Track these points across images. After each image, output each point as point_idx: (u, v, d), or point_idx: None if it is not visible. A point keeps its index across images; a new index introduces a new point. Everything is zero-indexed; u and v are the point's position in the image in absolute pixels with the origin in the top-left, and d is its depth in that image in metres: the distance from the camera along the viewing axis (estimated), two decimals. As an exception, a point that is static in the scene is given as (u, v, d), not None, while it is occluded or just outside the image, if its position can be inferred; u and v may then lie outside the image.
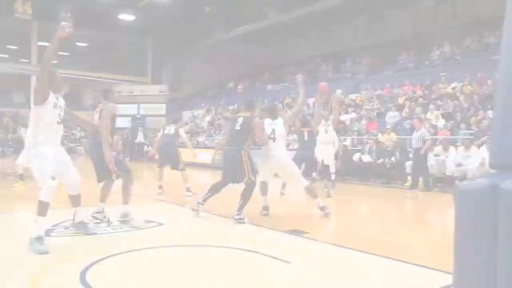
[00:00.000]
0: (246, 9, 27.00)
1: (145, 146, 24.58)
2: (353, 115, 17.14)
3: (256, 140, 6.51)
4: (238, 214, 6.08)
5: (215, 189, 6.56)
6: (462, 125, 12.92)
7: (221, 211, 7.00)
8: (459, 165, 10.61)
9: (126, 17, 30.32)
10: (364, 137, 14.52)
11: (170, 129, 9.88)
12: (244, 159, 6.22)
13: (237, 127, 6.36)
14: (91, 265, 3.85)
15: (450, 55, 19.61)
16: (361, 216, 6.79)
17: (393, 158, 12.43)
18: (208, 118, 26.08)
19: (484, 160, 10.06)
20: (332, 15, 24.52)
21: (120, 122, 31.54)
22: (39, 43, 33.39)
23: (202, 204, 6.46)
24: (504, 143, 1.86)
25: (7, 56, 34.91)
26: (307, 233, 5.49)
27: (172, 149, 9.56)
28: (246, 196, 6.24)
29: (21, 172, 10.05)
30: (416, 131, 11.18)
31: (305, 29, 31.14)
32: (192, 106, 31.46)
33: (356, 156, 13.43)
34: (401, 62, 21.01)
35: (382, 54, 23.81)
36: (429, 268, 3.97)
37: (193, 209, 6.47)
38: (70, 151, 28.13)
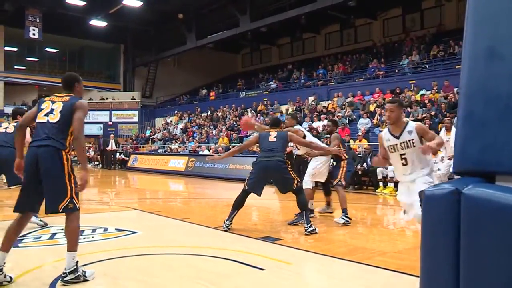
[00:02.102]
0: (219, 17, 27.10)
1: (117, 154, 24.29)
2: (326, 122, 17.33)
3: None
4: (309, 226, 5.97)
5: (238, 204, 6.34)
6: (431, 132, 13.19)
7: (194, 219, 7.01)
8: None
9: (98, 23, 29.98)
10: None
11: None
12: (288, 167, 6.26)
13: (273, 139, 6.37)
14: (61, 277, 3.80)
15: (419, 63, 20.10)
16: (334, 222, 6.88)
17: (364, 165, 12.62)
18: (181, 125, 25.96)
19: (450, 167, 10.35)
20: (304, 24, 24.80)
21: (92, 129, 31.38)
22: (6, 48, 32.75)
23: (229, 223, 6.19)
24: (465, 151, 1.95)
25: (-28, 61, 33.96)
26: (280, 239, 5.55)
27: None
28: (304, 201, 6.26)
29: None
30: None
31: (278, 37, 31.43)
32: (165, 113, 31.30)
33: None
34: (372, 70, 21.40)
35: (353, 62, 24.22)
36: (402, 273, 4.06)
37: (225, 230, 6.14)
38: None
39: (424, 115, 14.88)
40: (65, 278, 3.54)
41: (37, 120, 3.71)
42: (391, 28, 25.94)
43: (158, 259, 4.56)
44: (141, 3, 26.25)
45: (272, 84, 26.36)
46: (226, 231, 6.03)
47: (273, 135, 6.38)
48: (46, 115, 3.67)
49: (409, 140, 4.20)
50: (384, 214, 9.19)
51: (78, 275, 3.57)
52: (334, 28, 28.78)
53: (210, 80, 33.86)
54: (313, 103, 20.71)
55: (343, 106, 19.09)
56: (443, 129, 10.60)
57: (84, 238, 5.53)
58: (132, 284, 3.76)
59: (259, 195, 6.31)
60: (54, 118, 3.65)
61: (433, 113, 14.96)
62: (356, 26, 27.60)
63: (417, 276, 3.80)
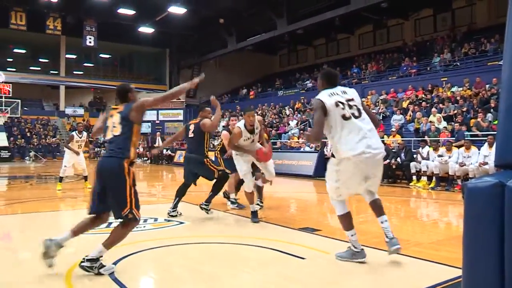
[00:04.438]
0: (257, 20, 27.06)
1: (164, 150, 24.69)
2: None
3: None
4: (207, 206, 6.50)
5: (180, 193, 6.71)
6: (463, 127, 12.81)
7: (235, 210, 7.04)
8: (461, 165, 10.51)
9: (146, 29, 30.63)
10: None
11: None
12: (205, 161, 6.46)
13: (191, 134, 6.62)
14: (118, 261, 3.88)
15: (450, 61, 19.49)
16: (370, 214, 6.75)
17: (398, 159, 12.34)
18: (223, 123, 26.09)
19: (485, 158, 9.99)
20: (338, 25, 24.48)
21: (142, 128, 32.03)
22: (67, 55, 33.95)
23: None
24: (508, 144, 1.84)
25: (39, 68, 35.61)
26: (319, 230, 5.48)
27: None
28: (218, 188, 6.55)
29: (62, 175, 10.57)
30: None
31: (313, 38, 31.15)
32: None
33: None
34: (404, 68, 20.91)
35: (386, 61, 23.73)
36: (437, 262, 3.94)
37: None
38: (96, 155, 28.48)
39: (456, 111, 14.43)
40: (82, 264, 3.56)
41: (105, 138, 3.83)
42: (422, 27, 25.24)
43: (205, 248, 4.59)
44: (185, 10, 26.56)
45: (308, 83, 26.17)
46: (175, 216, 6.42)
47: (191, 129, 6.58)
48: (111, 130, 3.75)
49: None
50: (417, 207, 8.96)
51: (94, 266, 3.55)
52: (367, 28, 28.26)
53: (249, 80, 33.93)
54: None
55: (377, 103, 18.74)
56: (486, 144, 10.26)
57: (136, 227, 5.60)
58: (183, 271, 3.80)
59: (193, 184, 6.63)
60: (116, 130, 3.71)
61: (465, 109, 14.48)
62: (388, 26, 27.01)
63: (453, 266, 3.71)
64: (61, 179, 10.51)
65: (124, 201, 3.57)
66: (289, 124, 20.77)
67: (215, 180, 6.44)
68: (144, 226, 5.74)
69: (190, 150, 6.63)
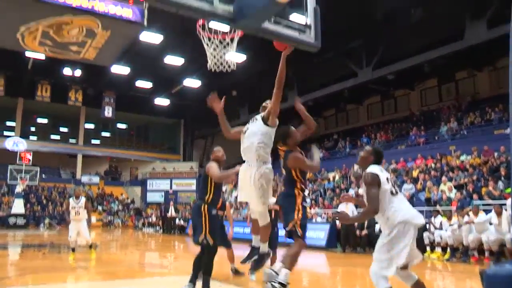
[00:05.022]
0: (269, 92, 27.71)
1: (177, 220, 24.50)
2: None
3: None
4: None
5: None
6: (475, 196, 12.60)
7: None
8: (475, 234, 10.22)
9: (162, 101, 31.54)
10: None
11: None
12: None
13: None
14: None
15: (457, 130, 19.58)
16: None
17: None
18: (235, 193, 26.01)
19: (495, 228, 9.75)
20: (347, 96, 25.01)
21: (154, 197, 32.05)
22: (86, 125, 34.90)
23: None
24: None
25: (58, 137, 36.46)
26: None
27: None
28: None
29: (73, 246, 10.21)
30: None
31: (323, 109, 31.70)
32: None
33: (377, 227, 13.02)
34: (413, 137, 21.00)
35: (394, 131, 23.91)
36: None
37: None
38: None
39: (466, 180, 14.27)
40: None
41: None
42: (428, 97, 25.64)
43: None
44: (199, 83, 27.43)
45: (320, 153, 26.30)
46: None
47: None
48: None
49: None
50: (433, 279, 8.60)
51: None
52: (375, 99, 28.76)
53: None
54: (358, 170, 20.36)
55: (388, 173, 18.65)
56: (493, 212, 10.10)
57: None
58: None
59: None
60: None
61: (475, 177, 14.32)
62: (395, 97, 27.46)
63: None
64: (73, 249, 10.17)
65: None
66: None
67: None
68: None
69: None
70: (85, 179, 34.56)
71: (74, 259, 9.92)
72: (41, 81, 28.89)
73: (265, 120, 4.76)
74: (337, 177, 20.56)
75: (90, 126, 36.28)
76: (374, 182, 3.86)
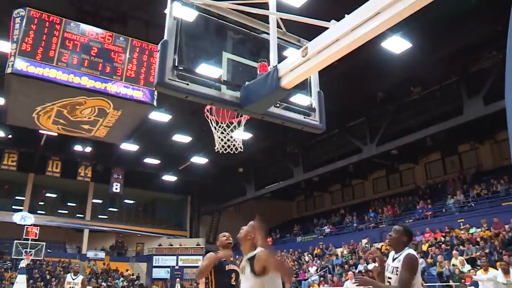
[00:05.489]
0: (275, 169, 28.00)
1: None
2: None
3: None
4: None
5: None
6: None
7: None
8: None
9: (169, 177, 31.74)
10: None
11: None
12: None
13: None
14: None
15: (464, 202, 19.41)
16: None
17: (423, 306, 11.57)
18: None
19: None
20: (352, 171, 25.10)
21: (160, 273, 31.23)
22: (93, 200, 34.95)
23: None
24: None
25: (66, 212, 36.33)
26: None
27: None
28: None
29: None
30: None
31: (329, 185, 31.71)
32: (227, 257, 30.90)
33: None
34: (420, 211, 20.78)
35: (401, 204, 23.71)
36: None
37: None
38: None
39: (478, 253, 13.91)
40: None
41: None
42: (432, 171, 25.68)
43: None
44: (206, 160, 27.75)
45: (326, 229, 25.94)
46: None
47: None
48: None
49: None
50: None
51: None
52: (380, 173, 28.82)
53: (268, 227, 33.76)
54: (366, 245, 19.98)
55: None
56: (500, 270, 9.81)
57: None
58: None
59: None
60: None
61: (487, 250, 13.97)
62: (400, 171, 27.53)
63: None
64: None
65: None
66: (308, 271, 20.10)
67: None
68: None
69: None
70: (90, 254, 33.90)
71: None
72: (52, 157, 29.36)
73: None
74: (345, 252, 20.12)
75: (98, 201, 36.24)
76: (414, 268, 3.71)
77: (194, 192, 35.75)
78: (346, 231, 24.48)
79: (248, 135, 21.92)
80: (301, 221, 31.86)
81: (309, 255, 22.47)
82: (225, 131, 3.87)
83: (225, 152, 5.01)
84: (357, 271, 14.02)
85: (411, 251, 3.94)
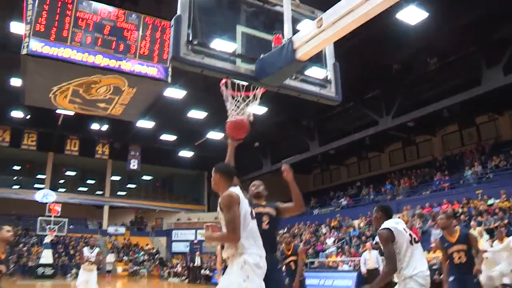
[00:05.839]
0: (290, 143, 27.96)
1: (202, 269, 24.18)
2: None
3: None
4: None
5: None
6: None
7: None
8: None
9: (186, 153, 31.99)
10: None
11: None
12: None
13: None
14: None
15: (482, 173, 19.21)
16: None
17: (442, 276, 11.60)
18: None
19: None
20: (368, 144, 24.95)
21: (180, 247, 31.86)
22: (112, 177, 35.52)
23: None
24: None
25: (86, 189, 37.18)
26: None
27: None
28: None
29: None
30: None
31: (345, 158, 31.62)
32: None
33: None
34: (437, 182, 20.65)
35: (418, 176, 23.58)
36: None
37: None
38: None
39: (497, 224, 13.83)
40: None
41: None
42: (450, 142, 25.39)
43: None
44: (222, 135, 27.83)
45: (343, 201, 26.01)
46: None
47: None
48: None
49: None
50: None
51: None
52: (397, 146, 28.60)
53: (285, 200, 33.89)
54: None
55: (413, 219, 18.24)
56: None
57: None
58: None
59: None
60: None
61: (506, 221, 13.88)
62: (417, 143, 27.27)
63: None
64: None
65: None
66: (326, 243, 20.27)
67: None
68: None
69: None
70: (111, 229, 34.73)
71: None
72: (70, 136, 29.83)
73: None
74: (362, 224, 20.20)
75: (117, 178, 36.87)
76: (388, 239, 3.88)
77: (211, 167, 35.82)
78: (363, 203, 24.53)
79: (263, 109, 21.85)
80: (318, 194, 31.98)
81: (326, 227, 22.63)
82: (241, 104, 3.85)
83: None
84: (374, 242, 14.06)
85: (384, 224, 4.05)
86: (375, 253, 12.16)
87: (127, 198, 36.59)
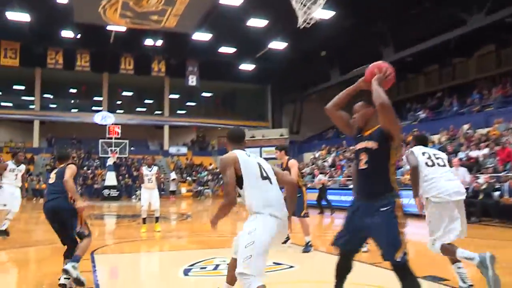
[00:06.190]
0: (361, 50, 26.84)
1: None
2: (486, 151, 15.77)
3: None
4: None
5: None
6: None
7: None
8: None
9: (247, 66, 31.91)
10: (501, 174, 13.15)
11: None
12: None
13: None
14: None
15: None
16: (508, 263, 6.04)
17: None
18: (330, 159, 25.84)
19: None
20: (453, 48, 23.41)
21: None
22: (170, 96, 36.53)
23: None
24: None
25: (144, 109, 38.87)
26: (447, 280, 5.07)
27: None
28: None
29: (144, 216, 10.35)
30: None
31: (424, 65, 30.14)
32: (313, 147, 31.53)
33: (494, 196, 12.20)
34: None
35: (513, 84, 22.09)
36: None
37: None
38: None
39: None
40: None
41: None
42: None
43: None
44: (285, 44, 27.25)
45: (421, 114, 25.16)
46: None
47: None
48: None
49: None
50: None
51: None
52: (489, 49, 26.63)
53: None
54: (468, 131, 19.16)
55: (507, 132, 17.32)
56: None
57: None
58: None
59: None
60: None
61: None
62: (514, 44, 25.21)
63: None
64: (144, 220, 10.32)
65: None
66: (402, 159, 19.98)
67: None
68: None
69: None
70: (173, 150, 36.37)
71: (146, 231, 10.12)
72: (124, 54, 30.60)
73: None
74: (443, 139, 19.57)
75: (175, 96, 37.88)
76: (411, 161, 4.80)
77: (274, 80, 35.88)
78: (444, 116, 23.60)
79: (330, 13, 20.94)
80: (393, 106, 31.01)
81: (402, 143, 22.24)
82: (308, 2, 3.63)
83: (308, 25, 4.76)
84: (457, 158, 13.65)
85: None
86: (462, 170, 11.78)
87: (187, 117, 37.72)
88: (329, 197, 17.39)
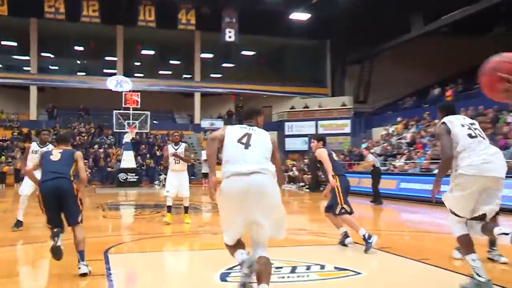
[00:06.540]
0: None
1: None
2: None
3: None
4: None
5: None
6: None
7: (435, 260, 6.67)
8: None
9: (299, 16, 31.34)
10: None
11: None
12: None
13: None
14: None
15: None
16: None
17: None
18: (408, 136, 25.32)
19: None
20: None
21: (296, 144, 32.74)
22: (202, 55, 36.25)
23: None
24: None
25: (169, 72, 38.96)
26: None
27: None
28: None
29: (169, 204, 10.44)
30: None
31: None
32: (385, 121, 30.97)
33: None
34: None
35: None
36: None
37: None
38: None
39: None
40: None
41: None
42: None
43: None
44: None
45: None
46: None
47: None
48: None
49: None
50: None
51: None
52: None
53: (445, 76, 32.45)
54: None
55: None
56: None
57: (298, 276, 5.68)
58: None
59: None
60: None
61: None
62: None
63: None
64: (169, 209, 10.38)
65: None
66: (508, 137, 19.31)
67: None
68: (308, 275, 5.74)
69: None
70: (205, 123, 36.25)
71: (171, 222, 10.26)
72: (143, 1, 30.50)
73: None
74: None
75: (208, 56, 37.83)
76: (441, 131, 5.34)
77: (335, 34, 35.30)
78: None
79: None
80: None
81: (511, 114, 21.36)
82: None
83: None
84: None
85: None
86: None
87: (223, 82, 37.66)
88: (408, 185, 17.18)
